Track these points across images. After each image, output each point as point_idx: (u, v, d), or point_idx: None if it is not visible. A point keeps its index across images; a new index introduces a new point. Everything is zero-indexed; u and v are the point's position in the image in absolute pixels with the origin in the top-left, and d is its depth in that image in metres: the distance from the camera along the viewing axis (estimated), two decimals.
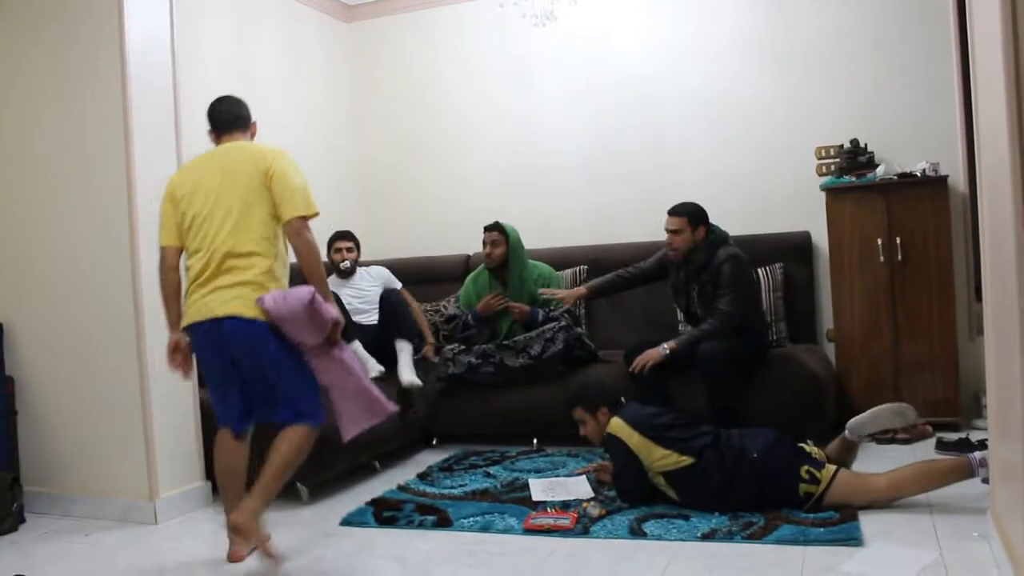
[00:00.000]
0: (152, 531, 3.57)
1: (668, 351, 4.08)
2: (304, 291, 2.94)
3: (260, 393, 3.08)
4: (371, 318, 4.84)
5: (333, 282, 4.81)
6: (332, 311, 3.03)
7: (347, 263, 4.91)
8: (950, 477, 3.16)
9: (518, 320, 4.66)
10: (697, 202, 4.23)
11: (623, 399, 3.66)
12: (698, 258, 4.18)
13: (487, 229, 4.78)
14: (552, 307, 4.68)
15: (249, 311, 2.97)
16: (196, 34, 4.61)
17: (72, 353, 3.81)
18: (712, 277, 4.12)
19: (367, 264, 5.17)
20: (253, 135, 3.35)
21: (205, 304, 3.00)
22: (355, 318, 4.71)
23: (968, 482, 3.13)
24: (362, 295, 4.90)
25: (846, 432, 3.52)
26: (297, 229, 3.03)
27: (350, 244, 4.97)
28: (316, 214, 3.07)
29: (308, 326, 2.97)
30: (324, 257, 4.73)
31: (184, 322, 3.08)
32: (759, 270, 4.72)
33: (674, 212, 4.21)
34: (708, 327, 4.06)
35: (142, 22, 3.70)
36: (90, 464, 3.80)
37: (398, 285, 5.11)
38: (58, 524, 3.70)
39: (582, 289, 4.59)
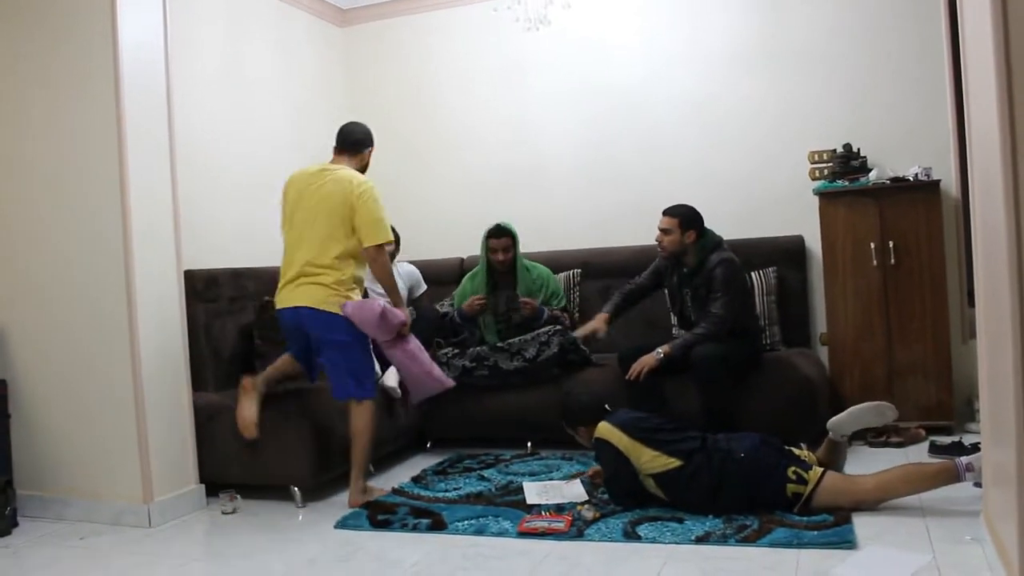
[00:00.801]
0: (146, 534, 3.56)
1: (663, 356, 4.10)
2: (376, 304, 3.72)
3: (326, 365, 3.83)
4: None
5: (368, 276, 4.89)
6: (400, 315, 3.80)
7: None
8: (936, 480, 3.18)
9: (527, 315, 4.67)
10: (694, 207, 4.25)
11: (607, 407, 3.67)
12: (690, 261, 4.21)
13: (496, 235, 4.75)
14: (554, 306, 4.80)
15: (323, 305, 3.71)
16: (189, 38, 4.60)
17: (66, 356, 3.80)
18: (705, 281, 4.14)
19: (401, 261, 5.20)
20: (362, 162, 4.02)
21: (290, 296, 3.78)
22: None
23: (961, 485, 3.15)
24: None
25: (829, 432, 3.54)
26: (373, 256, 3.78)
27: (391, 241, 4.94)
28: (389, 241, 3.84)
29: (379, 329, 3.73)
30: None
31: (278, 306, 3.88)
32: (753, 274, 4.74)
33: (668, 212, 4.25)
34: (701, 330, 4.08)
35: (135, 25, 3.70)
36: (84, 467, 3.79)
37: (424, 287, 5.16)
38: (52, 528, 3.70)
39: (604, 316, 4.44)
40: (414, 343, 3.94)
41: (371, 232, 3.75)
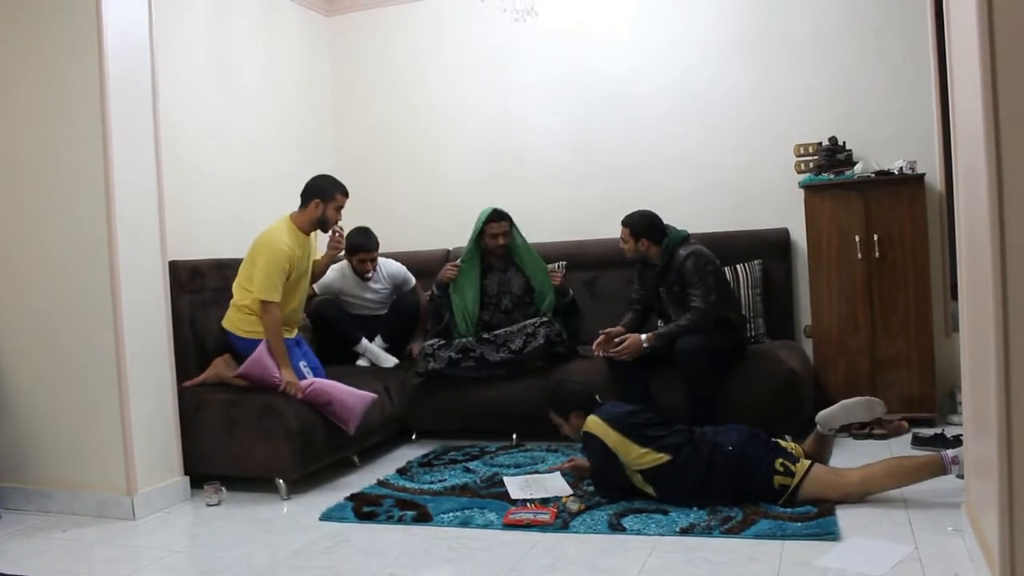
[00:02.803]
0: (129, 526, 3.55)
1: (647, 345, 4.10)
2: (256, 367, 3.99)
3: None
4: (379, 311, 4.99)
5: (351, 278, 4.95)
6: (273, 379, 3.95)
7: (371, 274, 4.95)
8: (922, 473, 3.20)
9: (556, 285, 4.72)
10: (648, 213, 4.30)
11: (598, 398, 3.68)
12: (658, 262, 4.24)
13: (496, 219, 4.75)
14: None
15: (232, 328, 4.20)
16: (174, 26, 4.57)
17: (49, 346, 3.77)
18: (677, 277, 4.16)
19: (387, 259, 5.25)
20: (310, 215, 4.19)
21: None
22: (364, 313, 4.94)
23: (944, 477, 3.17)
24: (376, 294, 5.01)
25: (817, 426, 3.56)
26: (260, 310, 4.06)
27: (374, 255, 4.91)
28: (271, 301, 4.02)
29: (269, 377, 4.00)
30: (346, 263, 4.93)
31: None
32: (738, 266, 4.76)
33: (623, 221, 4.32)
34: (684, 322, 4.09)
35: (119, 14, 3.65)
36: (67, 459, 3.76)
37: (412, 282, 5.16)
38: (34, 520, 3.68)
39: (617, 329, 4.41)
40: (317, 384, 3.99)
41: (247, 273, 4.09)
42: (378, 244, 4.93)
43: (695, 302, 4.09)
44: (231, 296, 4.20)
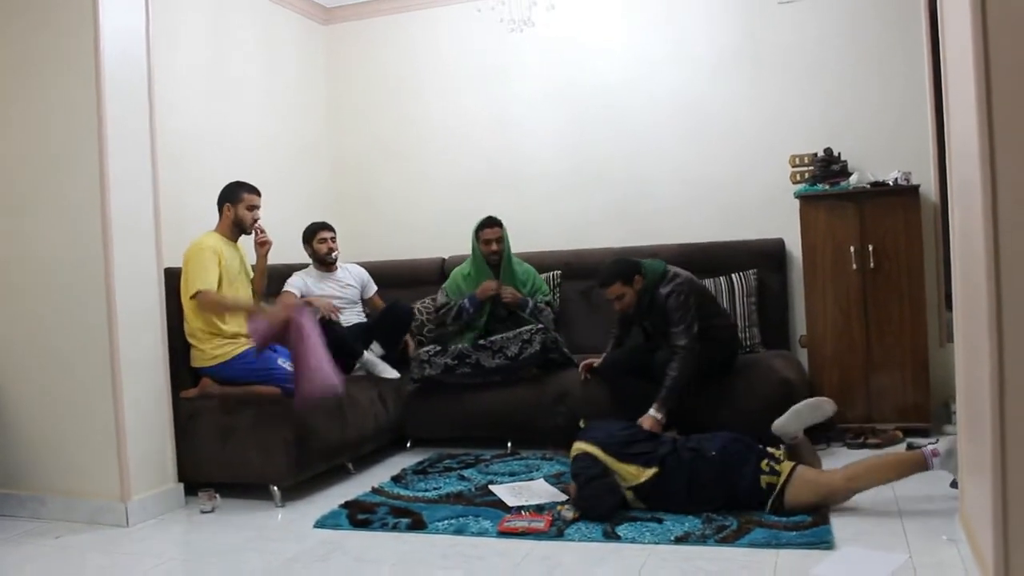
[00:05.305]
0: (123, 533, 3.54)
1: (661, 417, 3.90)
2: (254, 328, 3.93)
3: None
4: (349, 316, 4.93)
5: (315, 273, 4.96)
6: (258, 326, 3.89)
7: (335, 255, 4.99)
8: (903, 468, 3.21)
9: (507, 302, 4.72)
10: (617, 257, 4.31)
11: (582, 423, 3.64)
12: (643, 301, 4.14)
13: (489, 225, 4.83)
14: (538, 299, 4.85)
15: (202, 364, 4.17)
16: (172, 32, 4.58)
17: (44, 352, 3.77)
18: (660, 315, 4.08)
19: (349, 263, 5.28)
20: (228, 220, 4.22)
21: None
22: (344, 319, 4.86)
23: (937, 485, 3.19)
24: (343, 292, 4.99)
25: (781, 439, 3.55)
26: (195, 306, 4.01)
27: (333, 234, 5.01)
28: (198, 291, 3.96)
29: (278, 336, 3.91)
30: (306, 248, 5.02)
31: None
32: (732, 276, 4.78)
33: (605, 283, 4.13)
34: (675, 372, 3.95)
35: (117, 19, 3.66)
36: (61, 465, 3.75)
37: (374, 288, 5.17)
38: (27, 526, 3.66)
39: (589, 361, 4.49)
40: (308, 337, 3.81)
41: (183, 287, 4.02)
42: (334, 230, 5.06)
43: (679, 341, 3.98)
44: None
